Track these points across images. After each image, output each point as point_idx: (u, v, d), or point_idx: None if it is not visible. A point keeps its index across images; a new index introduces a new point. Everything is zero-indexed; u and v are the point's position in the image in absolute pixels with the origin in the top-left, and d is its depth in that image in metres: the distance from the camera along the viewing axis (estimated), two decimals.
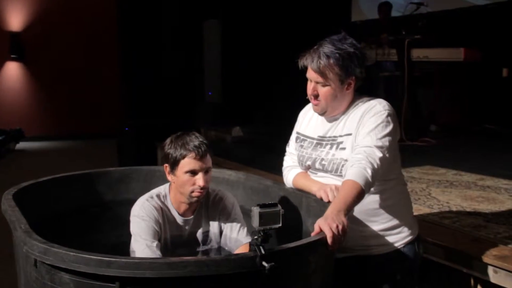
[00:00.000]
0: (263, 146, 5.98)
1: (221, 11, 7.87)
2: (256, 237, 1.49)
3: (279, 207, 1.51)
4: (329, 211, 1.76)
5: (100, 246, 2.08)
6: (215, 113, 7.75)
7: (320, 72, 2.02)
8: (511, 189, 3.56)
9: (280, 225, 1.51)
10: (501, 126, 6.44)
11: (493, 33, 6.27)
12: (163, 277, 1.43)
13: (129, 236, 2.35)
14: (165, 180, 2.69)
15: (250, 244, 1.51)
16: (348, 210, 1.80)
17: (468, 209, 3.07)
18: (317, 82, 2.05)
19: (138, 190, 2.68)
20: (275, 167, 4.45)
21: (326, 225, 1.68)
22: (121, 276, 1.45)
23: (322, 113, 2.12)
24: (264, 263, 1.46)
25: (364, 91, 2.17)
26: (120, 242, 2.41)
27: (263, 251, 1.46)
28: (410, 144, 5.65)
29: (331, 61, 2.00)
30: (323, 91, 2.05)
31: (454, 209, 3.09)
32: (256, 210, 1.47)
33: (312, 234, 1.70)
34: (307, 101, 2.20)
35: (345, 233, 1.70)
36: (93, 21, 10.43)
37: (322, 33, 2.17)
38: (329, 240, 1.66)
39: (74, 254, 1.49)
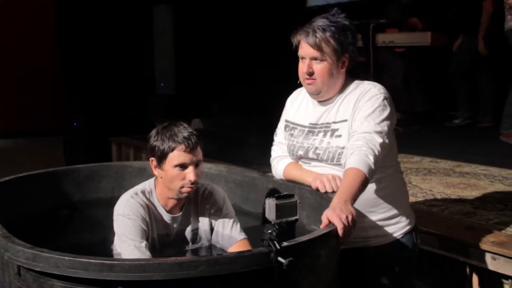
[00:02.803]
0: (225, 139, 5.92)
1: None
2: (270, 231, 1.46)
3: (296, 197, 1.49)
4: (335, 201, 1.75)
5: (70, 250, 1.98)
6: (169, 105, 7.61)
7: (317, 46, 2.02)
8: (490, 175, 3.68)
9: (297, 217, 1.49)
10: None
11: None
12: (173, 279, 1.38)
13: (102, 238, 2.27)
14: (138, 177, 2.63)
15: (263, 239, 1.48)
16: (354, 200, 1.80)
17: (453, 196, 3.15)
18: (312, 59, 2.05)
19: (109, 189, 2.62)
20: (244, 160, 4.49)
21: (335, 216, 1.66)
22: (125, 280, 1.39)
23: (317, 93, 2.10)
24: (280, 259, 1.43)
25: None
26: (92, 245, 2.33)
27: (278, 246, 1.43)
28: None
29: (327, 34, 2.02)
30: (319, 67, 2.05)
31: (438, 196, 3.16)
32: (272, 202, 1.45)
33: (321, 226, 1.68)
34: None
35: (355, 224, 1.70)
36: (30, 3, 9.91)
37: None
38: (340, 232, 1.65)
39: (70, 258, 1.42)
